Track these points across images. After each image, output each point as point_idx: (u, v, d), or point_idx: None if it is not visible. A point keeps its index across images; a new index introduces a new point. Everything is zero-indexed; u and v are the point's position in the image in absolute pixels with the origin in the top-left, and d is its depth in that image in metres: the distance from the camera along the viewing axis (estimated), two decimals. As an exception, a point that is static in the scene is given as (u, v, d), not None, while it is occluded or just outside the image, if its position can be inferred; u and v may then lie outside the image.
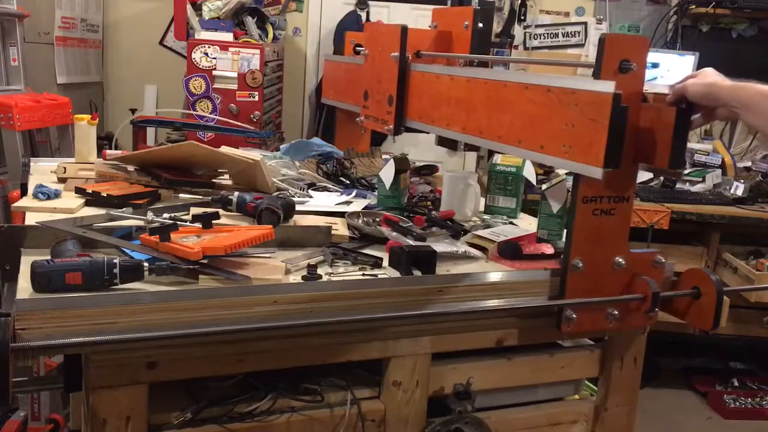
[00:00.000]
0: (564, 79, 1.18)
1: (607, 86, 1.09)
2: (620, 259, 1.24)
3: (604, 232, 1.22)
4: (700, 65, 3.68)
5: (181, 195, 1.66)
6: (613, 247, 1.24)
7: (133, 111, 3.29)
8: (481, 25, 1.63)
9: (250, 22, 3.38)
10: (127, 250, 1.21)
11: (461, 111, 1.42)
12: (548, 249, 1.44)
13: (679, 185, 3.40)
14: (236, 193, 1.50)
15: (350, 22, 4.09)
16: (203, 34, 3.07)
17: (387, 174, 1.69)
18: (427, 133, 1.63)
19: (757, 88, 1.13)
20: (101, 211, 1.43)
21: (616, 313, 1.25)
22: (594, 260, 1.23)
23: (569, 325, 1.24)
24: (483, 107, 1.36)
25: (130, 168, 1.70)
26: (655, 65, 3.81)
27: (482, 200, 1.80)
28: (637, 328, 1.36)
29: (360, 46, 1.87)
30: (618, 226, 1.24)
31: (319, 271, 1.22)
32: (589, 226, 1.21)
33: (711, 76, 1.20)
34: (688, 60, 3.74)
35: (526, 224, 1.70)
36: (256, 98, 3.01)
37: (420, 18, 4.28)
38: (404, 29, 1.62)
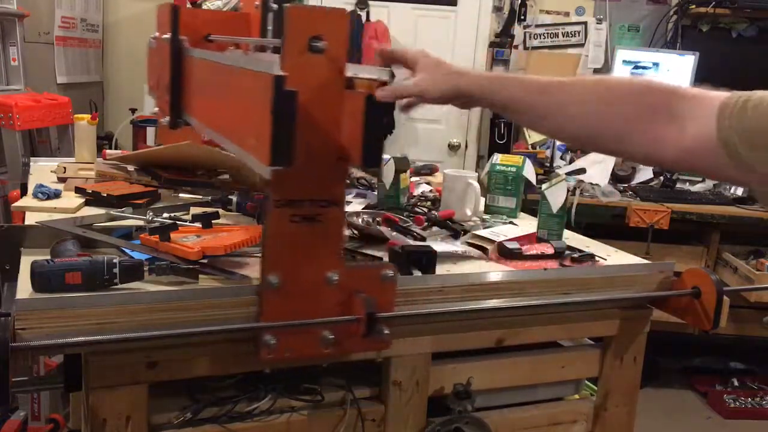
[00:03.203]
0: (251, 60, 1.04)
1: (270, 66, 0.91)
2: (333, 275, 1.05)
3: (308, 243, 1.03)
4: (700, 65, 3.69)
5: (181, 195, 1.66)
6: (323, 260, 1.04)
7: (133, 111, 3.29)
8: (275, 6, 1.44)
9: (250, 22, 3.38)
10: (127, 250, 1.21)
11: (204, 100, 1.28)
12: (548, 249, 1.44)
13: (679, 185, 3.40)
14: (236, 193, 1.50)
15: (350, 22, 4.08)
16: (203, 34, 3.06)
17: (387, 174, 1.69)
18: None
19: (518, 80, 1.02)
20: (101, 211, 1.43)
21: (332, 337, 1.06)
22: (297, 276, 1.03)
23: (270, 351, 1.04)
24: (212, 95, 1.21)
25: (130, 168, 1.70)
26: (655, 65, 3.82)
27: (482, 200, 1.80)
28: (358, 353, 1.16)
29: None
30: (327, 235, 1.04)
31: (319, 271, 1.21)
32: (287, 235, 1.01)
33: (430, 65, 1.05)
34: (688, 60, 3.74)
35: (526, 224, 1.70)
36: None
37: (421, 18, 4.28)
38: (175, 9, 1.42)
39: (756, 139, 0.80)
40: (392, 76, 1.08)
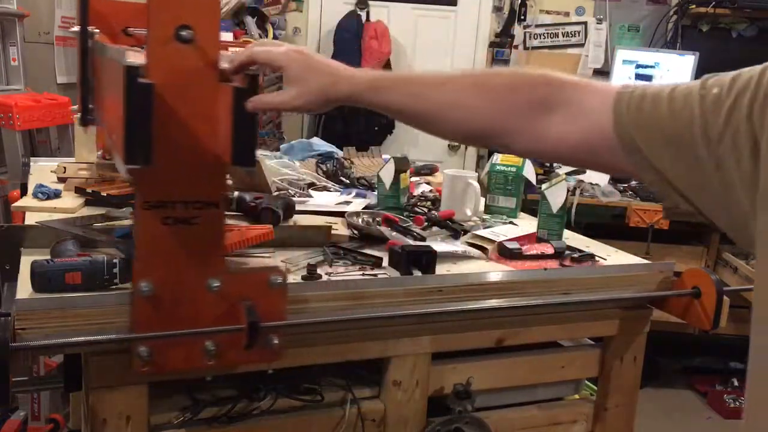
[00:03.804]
0: (117, 51, 0.97)
1: (123, 56, 0.86)
2: (213, 281, 0.97)
3: (184, 247, 0.94)
4: (699, 65, 3.68)
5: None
6: (202, 266, 0.96)
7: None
8: None
9: (250, 21, 3.39)
10: (127, 250, 1.20)
11: (103, 95, 1.18)
12: (548, 249, 1.44)
13: (679, 185, 3.40)
14: (236, 193, 1.50)
15: (350, 23, 4.09)
16: (203, 34, 3.06)
17: (387, 174, 1.69)
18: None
19: (396, 82, 0.95)
20: (101, 211, 1.43)
21: (214, 348, 0.99)
22: (172, 283, 0.95)
23: (144, 364, 0.97)
24: (105, 89, 1.12)
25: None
26: (656, 64, 3.82)
27: (482, 200, 1.80)
28: (244, 365, 1.08)
29: None
30: (205, 238, 0.95)
31: (319, 271, 1.22)
32: (159, 238, 0.93)
33: (298, 74, 0.96)
34: (688, 60, 3.74)
35: (526, 224, 1.70)
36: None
37: (420, 18, 4.28)
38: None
39: (655, 133, 0.77)
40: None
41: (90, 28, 1.27)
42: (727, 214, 0.74)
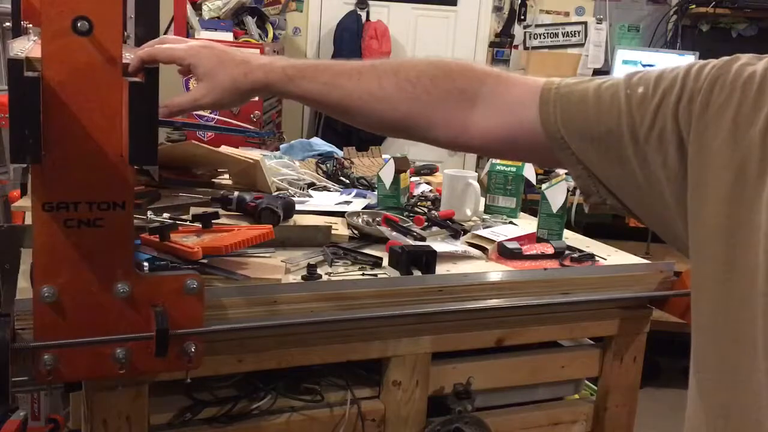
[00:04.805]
0: (11, 45, 0.93)
1: (11, 49, 0.84)
2: (122, 286, 0.93)
3: (89, 250, 0.90)
4: (700, 65, 3.68)
5: (181, 195, 1.66)
6: (109, 270, 0.92)
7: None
8: None
9: (250, 21, 3.38)
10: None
11: None
12: (548, 249, 1.44)
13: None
14: (236, 193, 1.50)
15: (350, 22, 4.09)
16: (203, 34, 3.07)
17: (387, 174, 1.69)
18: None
19: (312, 71, 0.91)
20: (101, 211, 1.43)
21: (125, 356, 0.95)
22: (77, 288, 0.91)
23: (49, 373, 0.92)
24: None
25: (130, 168, 1.70)
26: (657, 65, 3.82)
27: (482, 200, 1.80)
28: (158, 373, 1.04)
29: None
30: (112, 241, 0.91)
31: (319, 270, 1.22)
32: (61, 241, 0.88)
33: (208, 69, 0.93)
34: (688, 60, 3.73)
35: (526, 224, 1.70)
36: (256, 98, 3.01)
37: (421, 18, 4.29)
38: None
39: (582, 131, 0.77)
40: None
41: (24, 23, 1.20)
42: (653, 211, 0.75)
